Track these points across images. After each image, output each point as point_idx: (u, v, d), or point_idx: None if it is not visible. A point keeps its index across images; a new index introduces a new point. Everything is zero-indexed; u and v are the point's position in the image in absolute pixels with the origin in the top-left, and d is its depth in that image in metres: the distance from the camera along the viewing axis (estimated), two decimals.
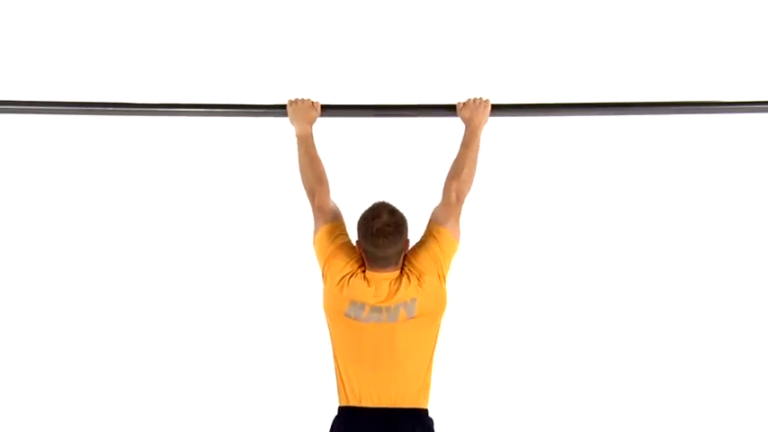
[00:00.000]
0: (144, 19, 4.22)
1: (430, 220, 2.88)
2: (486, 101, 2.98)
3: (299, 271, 4.19)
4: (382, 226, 2.72)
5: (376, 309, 2.75)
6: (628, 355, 4.28)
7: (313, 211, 2.93)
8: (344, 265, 2.80)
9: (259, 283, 4.32)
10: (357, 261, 2.81)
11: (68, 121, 3.89)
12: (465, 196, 2.89)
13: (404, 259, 2.81)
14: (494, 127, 3.00)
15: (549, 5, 4.24)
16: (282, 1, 4.23)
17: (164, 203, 4.30)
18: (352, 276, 2.78)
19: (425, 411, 2.84)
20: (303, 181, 2.96)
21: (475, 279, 4.22)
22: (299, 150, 2.98)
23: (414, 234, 2.84)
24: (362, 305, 2.76)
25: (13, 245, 4.33)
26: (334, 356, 2.85)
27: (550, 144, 4.22)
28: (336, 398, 2.85)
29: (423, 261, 2.80)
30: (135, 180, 4.30)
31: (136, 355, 4.30)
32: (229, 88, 3.96)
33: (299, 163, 2.97)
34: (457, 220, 2.87)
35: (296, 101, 3.01)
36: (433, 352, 2.83)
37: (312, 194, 2.94)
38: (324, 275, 2.85)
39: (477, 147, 2.94)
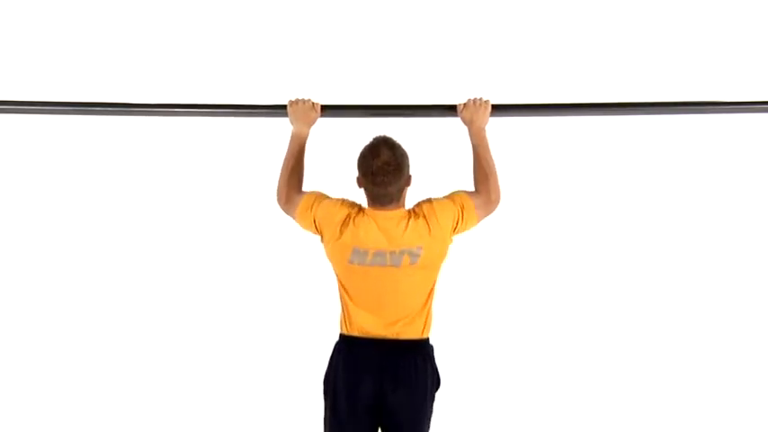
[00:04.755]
0: (144, 19, 4.22)
1: (466, 194, 2.87)
2: (487, 101, 2.98)
3: (298, 270, 4.19)
4: (382, 164, 2.74)
5: (379, 253, 2.77)
6: (627, 354, 4.28)
7: (281, 206, 2.94)
8: (336, 211, 2.81)
9: (259, 282, 4.32)
10: (348, 206, 2.83)
11: (68, 121, 3.89)
12: (499, 198, 2.91)
13: (423, 202, 2.83)
14: (494, 127, 3.01)
15: (549, 5, 4.23)
16: (282, 1, 4.23)
17: (164, 204, 4.30)
18: (349, 219, 2.79)
19: (426, 340, 2.88)
20: (279, 179, 2.95)
21: (474, 278, 4.22)
22: (288, 148, 2.98)
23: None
24: (365, 251, 2.77)
25: (14, 245, 4.33)
26: (339, 290, 2.88)
27: (550, 144, 4.22)
28: (339, 326, 2.89)
29: (441, 215, 2.80)
30: (135, 180, 4.30)
31: (136, 354, 4.30)
32: (229, 88, 3.96)
33: (284, 159, 2.96)
34: (486, 214, 2.90)
35: (296, 101, 3.01)
36: (434, 288, 2.85)
37: (280, 194, 2.94)
38: (321, 235, 2.84)
39: (489, 146, 2.96)
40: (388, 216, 2.79)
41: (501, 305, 4.33)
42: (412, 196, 2.89)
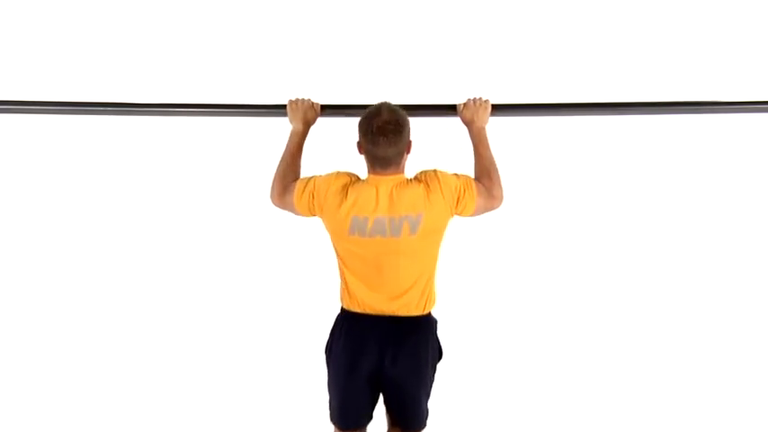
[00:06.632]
0: (144, 19, 4.22)
1: (474, 182, 2.87)
2: (486, 101, 2.99)
3: (298, 269, 4.20)
4: (383, 124, 2.74)
5: (379, 221, 2.77)
6: (627, 354, 4.28)
7: (276, 203, 2.94)
8: (333, 181, 2.81)
9: (259, 282, 4.32)
10: (346, 174, 2.83)
11: (68, 121, 3.89)
12: (502, 195, 2.92)
13: (428, 170, 2.83)
14: (494, 127, 3.01)
15: (549, 5, 4.24)
16: (282, 1, 4.23)
17: (164, 203, 4.30)
18: (349, 186, 2.80)
19: (428, 316, 2.91)
20: (274, 177, 2.96)
21: (474, 277, 4.22)
22: (286, 148, 2.99)
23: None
24: (365, 219, 2.77)
25: (14, 245, 4.33)
26: (340, 267, 2.89)
27: (550, 144, 4.22)
28: (340, 301, 2.92)
29: (445, 184, 2.80)
30: (135, 180, 4.30)
31: (135, 354, 4.30)
32: (229, 88, 3.96)
33: (281, 158, 2.97)
34: (485, 209, 2.90)
35: (296, 101, 3.02)
36: (435, 263, 2.87)
37: (274, 191, 2.94)
38: (320, 211, 2.83)
39: (489, 146, 2.96)
40: (387, 181, 2.79)
41: (501, 305, 4.34)
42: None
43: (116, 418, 3.90)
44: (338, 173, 2.85)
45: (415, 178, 2.83)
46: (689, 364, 4.23)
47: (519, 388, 4.08)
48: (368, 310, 2.86)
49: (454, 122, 3.04)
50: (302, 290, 4.20)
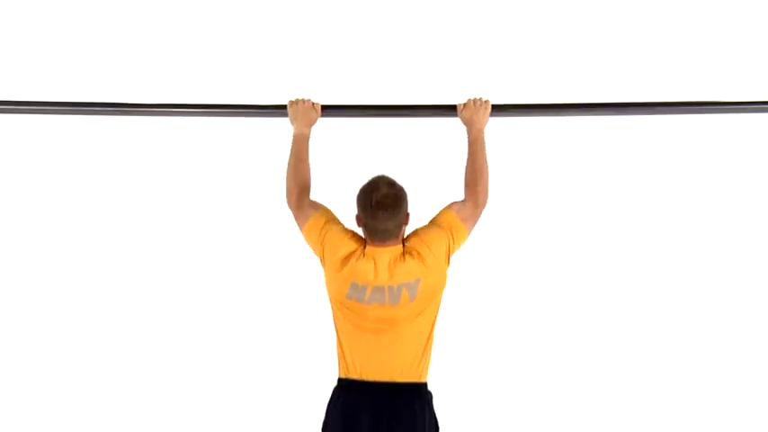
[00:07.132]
0: (144, 19, 4.22)
1: (450, 211, 2.86)
2: (486, 101, 2.98)
3: (298, 270, 4.19)
4: (381, 198, 2.72)
5: (378, 289, 2.74)
6: (628, 355, 4.28)
7: (292, 211, 2.93)
8: (343, 245, 2.79)
9: (259, 282, 4.31)
10: (356, 241, 2.81)
11: (68, 121, 3.89)
12: (487, 200, 2.90)
13: (411, 236, 2.81)
14: (494, 127, 3.00)
15: (549, 5, 4.23)
16: (282, 1, 4.23)
17: (164, 204, 4.30)
18: (352, 256, 2.77)
19: (425, 385, 2.84)
20: (286, 181, 2.94)
21: (474, 278, 4.21)
22: (291, 150, 2.97)
23: (420, 217, 2.84)
24: (364, 287, 2.75)
25: (14, 245, 4.33)
26: (336, 331, 2.85)
27: (550, 144, 4.22)
28: (336, 368, 2.86)
29: (432, 245, 2.78)
30: (135, 180, 4.30)
31: (135, 355, 4.30)
32: (229, 88, 3.96)
33: (288, 163, 2.96)
34: (476, 222, 2.89)
35: (296, 102, 3.00)
36: (433, 327, 2.83)
37: (290, 196, 2.93)
38: (322, 260, 2.84)
39: (485, 148, 2.94)
40: (385, 253, 2.76)
41: (502, 307, 4.33)
42: (413, 198, 2.87)
43: (115, 418, 3.91)
44: (353, 235, 2.82)
45: (407, 249, 2.78)
46: (689, 364, 4.22)
47: (516, 391, 4.09)
48: (364, 376, 2.78)
49: (454, 123, 3.04)
50: (301, 287, 4.19)
